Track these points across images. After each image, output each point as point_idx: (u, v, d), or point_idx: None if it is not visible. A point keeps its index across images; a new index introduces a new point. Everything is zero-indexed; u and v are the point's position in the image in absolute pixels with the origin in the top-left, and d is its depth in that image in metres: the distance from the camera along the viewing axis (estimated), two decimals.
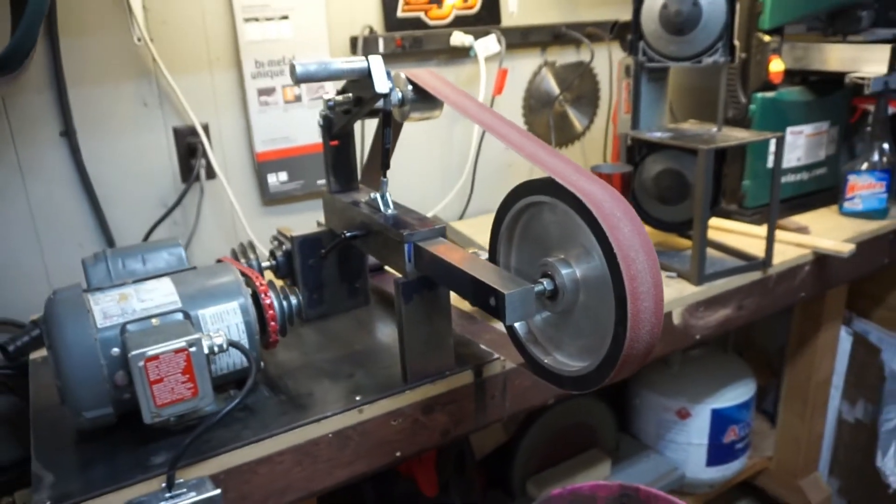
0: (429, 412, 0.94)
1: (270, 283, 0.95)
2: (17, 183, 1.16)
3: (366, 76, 0.88)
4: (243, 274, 0.95)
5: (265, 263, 1.13)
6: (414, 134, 1.50)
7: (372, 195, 0.98)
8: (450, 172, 1.60)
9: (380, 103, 0.90)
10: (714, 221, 1.47)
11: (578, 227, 0.72)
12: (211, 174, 1.31)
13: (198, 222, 1.31)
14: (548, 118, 1.66)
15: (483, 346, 1.01)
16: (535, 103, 1.65)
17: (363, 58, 0.88)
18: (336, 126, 1.03)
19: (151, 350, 0.75)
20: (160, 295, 0.85)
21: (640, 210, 1.36)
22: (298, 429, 0.85)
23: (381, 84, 0.87)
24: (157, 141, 1.27)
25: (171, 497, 0.74)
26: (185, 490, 0.75)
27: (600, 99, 1.75)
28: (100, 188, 1.22)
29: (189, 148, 1.28)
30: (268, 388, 0.94)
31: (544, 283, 0.76)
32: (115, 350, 0.79)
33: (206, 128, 1.29)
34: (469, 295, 0.78)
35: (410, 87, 0.90)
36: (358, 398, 0.89)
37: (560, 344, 0.81)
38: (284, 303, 0.96)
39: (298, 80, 0.86)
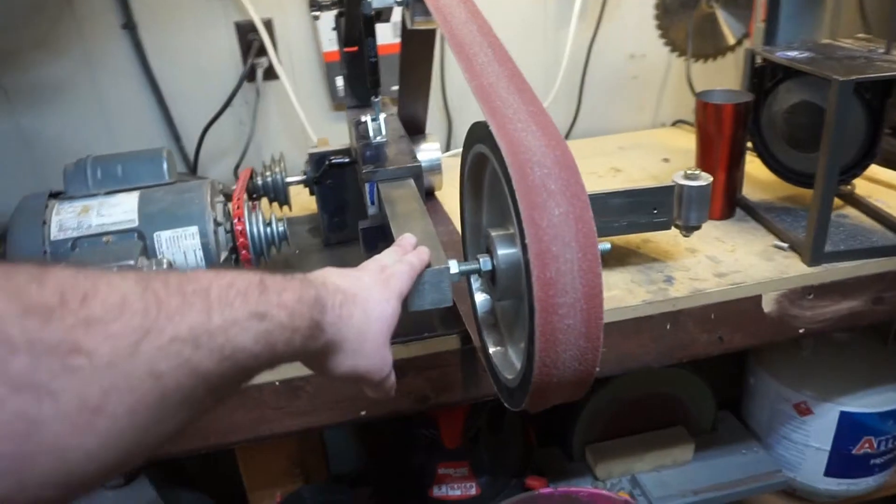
0: (399, 375, 0.82)
1: (252, 206, 0.87)
2: (86, 73, 1.18)
3: None
4: (228, 194, 0.88)
5: (295, 178, 1.05)
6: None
7: (362, 118, 0.83)
8: (550, 84, 1.35)
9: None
10: (885, 174, 1.10)
11: None
12: (272, 74, 1.23)
13: (256, 123, 1.26)
14: (687, 23, 1.32)
15: None
16: (673, 2, 1.32)
17: None
18: (344, 31, 0.88)
19: None
20: (121, 211, 0.81)
21: (767, 153, 1.04)
22: None
23: None
24: (219, 37, 1.21)
25: None
26: None
27: None
28: (164, 83, 1.21)
29: (252, 45, 1.21)
30: None
31: (480, 261, 0.58)
32: None
33: (268, 24, 1.20)
34: None
35: None
36: None
37: (516, 336, 0.64)
38: (267, 228, 0.88)
39: None
